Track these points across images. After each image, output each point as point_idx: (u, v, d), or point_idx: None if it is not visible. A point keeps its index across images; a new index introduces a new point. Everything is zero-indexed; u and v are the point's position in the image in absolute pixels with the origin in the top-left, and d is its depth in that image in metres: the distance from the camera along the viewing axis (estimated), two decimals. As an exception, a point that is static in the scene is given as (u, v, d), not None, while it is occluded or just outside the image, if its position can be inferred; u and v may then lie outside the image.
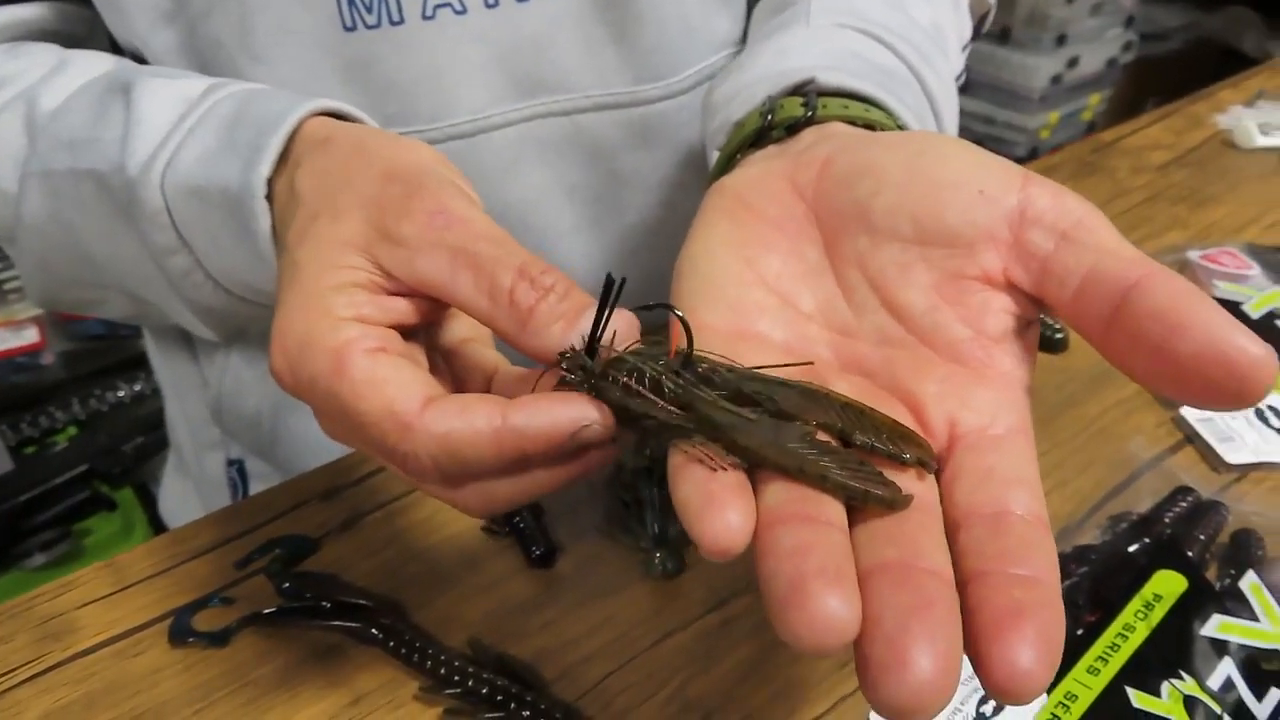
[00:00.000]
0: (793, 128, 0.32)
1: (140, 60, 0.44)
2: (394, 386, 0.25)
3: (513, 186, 0.47)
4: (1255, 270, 0.55)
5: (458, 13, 0.43)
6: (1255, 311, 0.50)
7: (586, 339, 0.25)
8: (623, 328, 0.25)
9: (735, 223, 0.29)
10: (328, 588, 0.38)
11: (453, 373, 0.30)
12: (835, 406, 0.24)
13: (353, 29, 0.42)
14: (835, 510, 0.22)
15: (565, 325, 0.25)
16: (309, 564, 0.39)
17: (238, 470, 0.53)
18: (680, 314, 0.25)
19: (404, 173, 0.28)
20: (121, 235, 0.38)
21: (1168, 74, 2.01)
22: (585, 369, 0.25)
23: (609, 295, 0.25)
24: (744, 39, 0.50)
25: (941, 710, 0.19)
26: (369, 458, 0.43)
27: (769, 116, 0.33)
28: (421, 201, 0.27)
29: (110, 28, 0.44)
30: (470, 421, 0.24)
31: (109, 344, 1.30)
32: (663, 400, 0.24)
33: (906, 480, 0.23)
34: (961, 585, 0.21)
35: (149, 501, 1.23)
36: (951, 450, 0.24)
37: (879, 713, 0.19)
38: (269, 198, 0.32)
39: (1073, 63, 1.86)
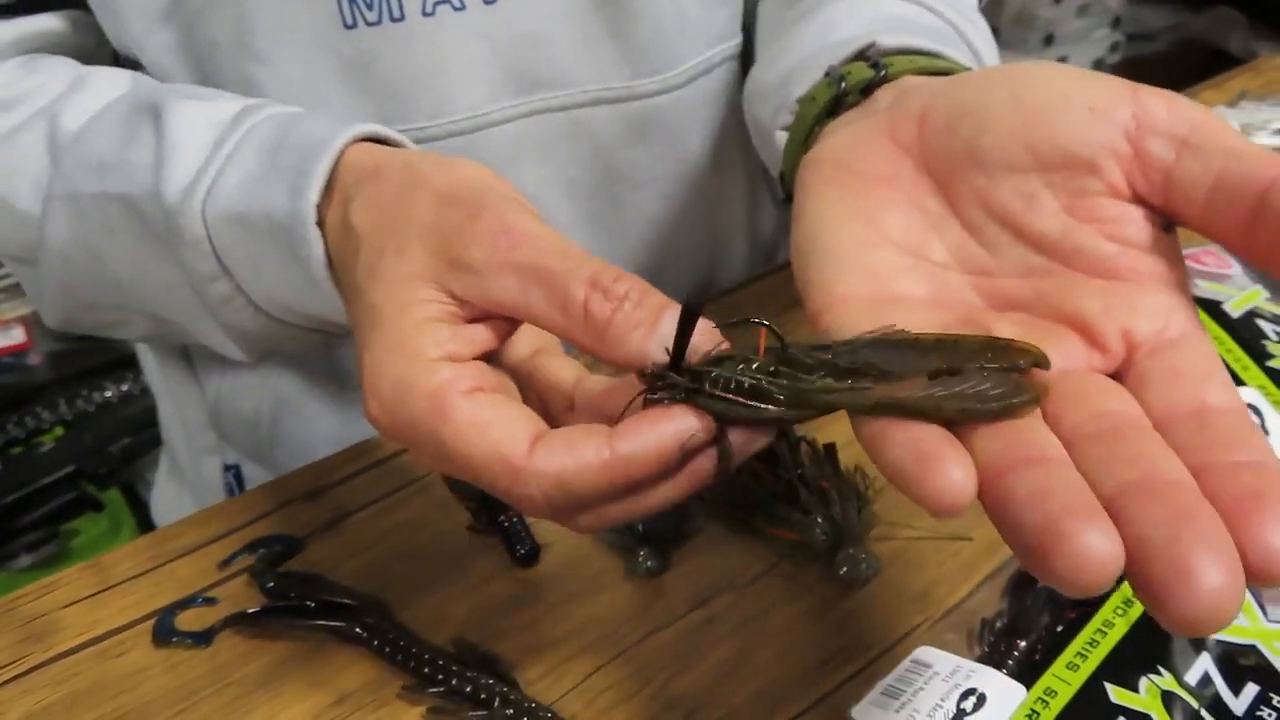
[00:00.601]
0: (865, 90, 0.32)
1: (136, 65, 0.44)
2: (498, 429, 0.25)
3: (510, 181, 0.47)
4: (1235, 269, 0.55)
5: (456, 9, 0.43)
6: (1235, 310, 0.51)
7: (670, 351, 0.25)
8: (704, 338, 0.25)
9: (844, 189, 0.28)
10: (312, 587, 0.38)
11: (535, 391, 0.30)
12: (928, 346, 0.24)
13: (353, 26, 0.42)
14: (1053, 445, 0.21)
15: (645, 332, 0.25)
16: (293, 564, 0.40)
17: (234, 475, 0.53)
18: (766, 323, 0.25)
19: (460, 195, 0.28)
20: (151, 259, 0.38)
21: (1154, 74, 2.01)
22: (674, 384, 0.25)
23: (688, 322, 0.24)
24: (743, 32, 0.51)
25: (1236, 616, 0.18)
26: (353, 457, 0.44)
27: (842, 84, 0.33)
28: (485, 223, 0.27)
29: (106, 31, 0.44)
30: (579, 457, 0.24)
31: (96, 344, 1.29)
32: (762, 397, 0.24)
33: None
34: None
35: (136, 502, 1.23)
36: (1131, 359, 0.23)
37: (1175, 631, 0.19)
38: (320, 223, 0.31)
39: (1060, 63, 1.87)
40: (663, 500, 0.26)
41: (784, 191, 0.36)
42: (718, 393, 0.24)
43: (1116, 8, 1.92)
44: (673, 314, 0.25)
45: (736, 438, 0.25)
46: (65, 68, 0.42)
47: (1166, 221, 0.25)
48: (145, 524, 1.20)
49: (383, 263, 0.28)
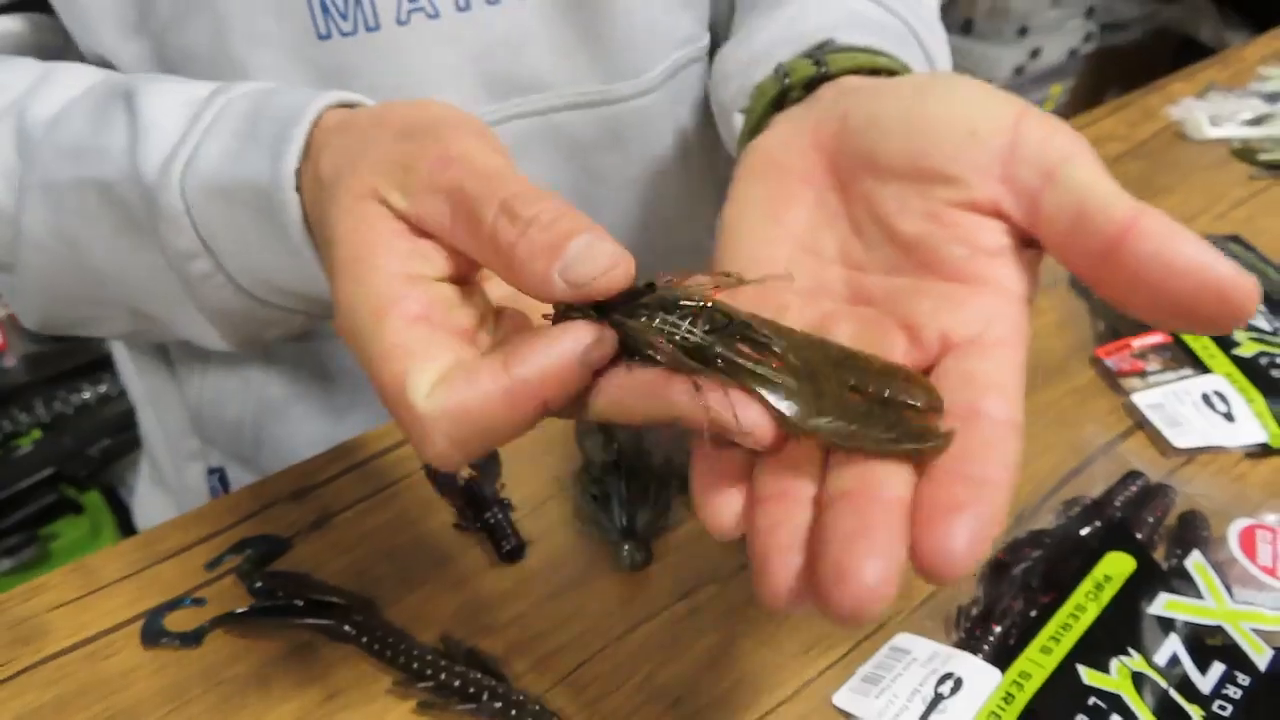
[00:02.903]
0: (810, 85, 0.34)
1: (108, 68, 0.44)
2: (410, 360, 0.24)
3: None
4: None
5: (431, 16, 0.43)
6: (1203, 299, 0.52)
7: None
8: (616, 273, 0.24)
9: (764, 181, 0.31)
10: (300, 587, 0.38)
11: (509, 324, 0.29)
12: (837, 357, 0.25)
13: (327, 37, 0.42)
14: (803, 486, 0.24)
15: (547, 260, 0.24)
16: (280, 564, 0.40)
17: (219, 479, 0.53)
18: (730, 274, 0.26)
19: (418, 126, 0.27)
20: (128, 246, 0.38)
21: (1128, 64, 2.05)
22: (584, 314, 0.24)
23: (642, 292, 0.24)
24: (711, 31, 0.51)
25: (880, 612, 0.21)
26: (338, 458, 0.44)
27: (786, 79, 0.34)
28: (427, 148, 0.26)
29: (78, 41, 0.44)
30: (479, 387, 0.23)
31: (72, 346, 1.28)
32: (679, 346, 0.23)
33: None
34: (919, 480, 0.22)
35: (116, 504, 1.22)
36: (940, 358, 0.25)
37: (833, 620, 0.21)
38: (298, 189, 0.31)
39: (1035, 54, 1.88)
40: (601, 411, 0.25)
41: None
42: (628, 321, 0.24)
43: (1089, -2, 1.94)
44: (583, 240, 0.24)
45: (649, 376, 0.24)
46: (30, 66, 0.42)
47: (1029, 238, 0.26)
48: (125, 526, 1.19)
49: (339, 188, 0.27)
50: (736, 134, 0.38)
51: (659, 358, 0.24)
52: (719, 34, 0.52)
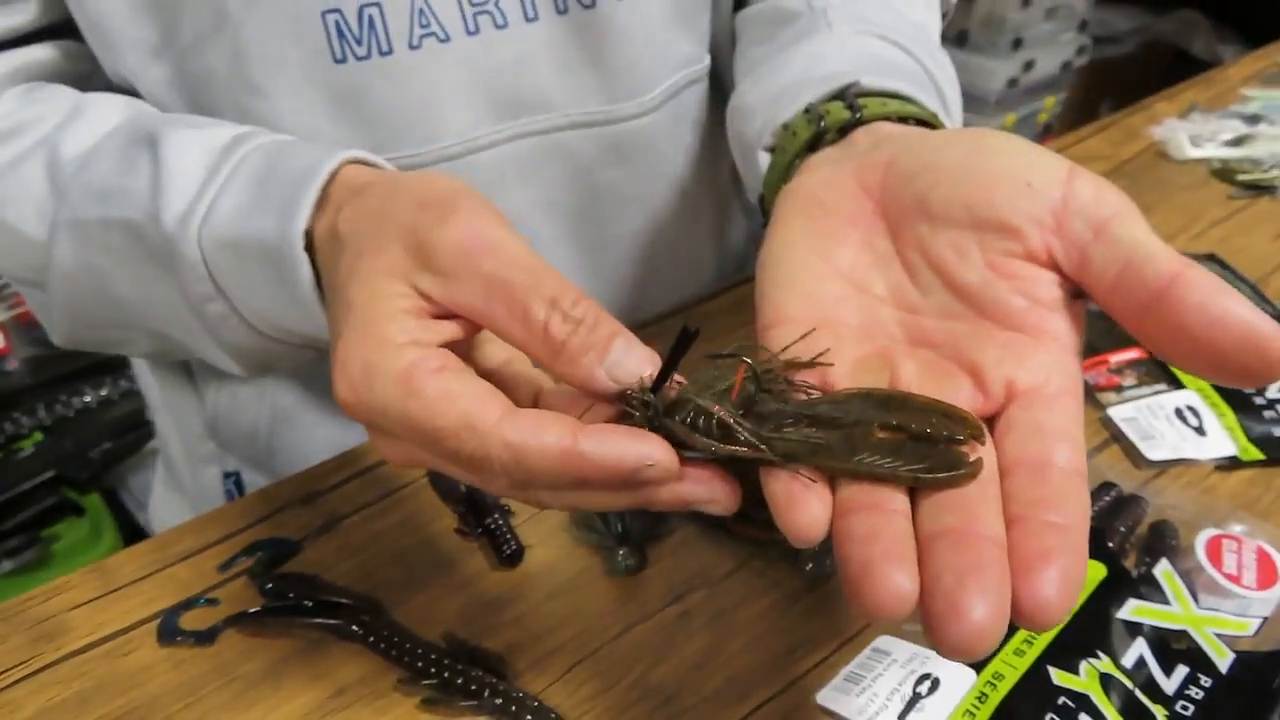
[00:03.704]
0: (842, 130, 0.36)
1: (134, 94, 0.46)
2: (466, 399, 0.27)
3: (496, 203, 0.49)
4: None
5: (442, 41, 0.45)
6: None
7: (653, 378, 0.27)
8: (648, 365, 0.27)
9: (810, 220, 0.32)
10: (309, 588, 0.40)
11: (501, 387, 0.31)
12: (879, 400, 0.27)
13: (343, 61, 0.44)
14: (899, 497, 0.25)
15: (596, 356, 0.27)
16: (289, 566, 0.41)
17: (235, 482, 0.55)
18: (747, 360, 0.27)
19: (436, 199, 0.29)
20: (152, 280, 0.39)
21: (1121, 76, 2.07)
22: (648, 405, 0.27)
23: (682, 345, 0.27)
24: (711, 54, 0.53)
25: (993, 648, 0.22)
26: (345, 464, 0.46)
27: (820, 123, 0.36)
28: (455, 228, 0.28)
29: (104, 64, 0.45)
30: (542, 438, 0.26)
31: (73, 350, 1.30)
32: (726, 439, 0.26)
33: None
34: (1005, 526, 0.24)
35: (117, 506, 1.23)
36: (1007, 406, 0.27)
37: (944, 655, 0.22)
38: (308, 248, 0.33)
39: (1028, 66, 1.90)
40: (613, 504, 0.28)
41: (763, 215, 0.39)
42: (685, 417, 0.27)
43: (1083, 11, 1.96)
44: (623, 341, 0.27)
45: (693, 474, 0.27)
46: (63, 97, 0.44)
47: (1077, 290, 0.28)
48: (126, 528, 1.20)
49: (361, 262, 0.29)
50: (761, 171, 0.39)
51: (697, 452, 0.27)
52: (719, 58, 0.54)
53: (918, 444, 0.26)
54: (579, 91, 0.49)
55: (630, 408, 0.27)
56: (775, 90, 0.40)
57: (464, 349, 0.30)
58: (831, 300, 0.30)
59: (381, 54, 0.44)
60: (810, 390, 0.28)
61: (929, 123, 0.37)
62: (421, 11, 0.44)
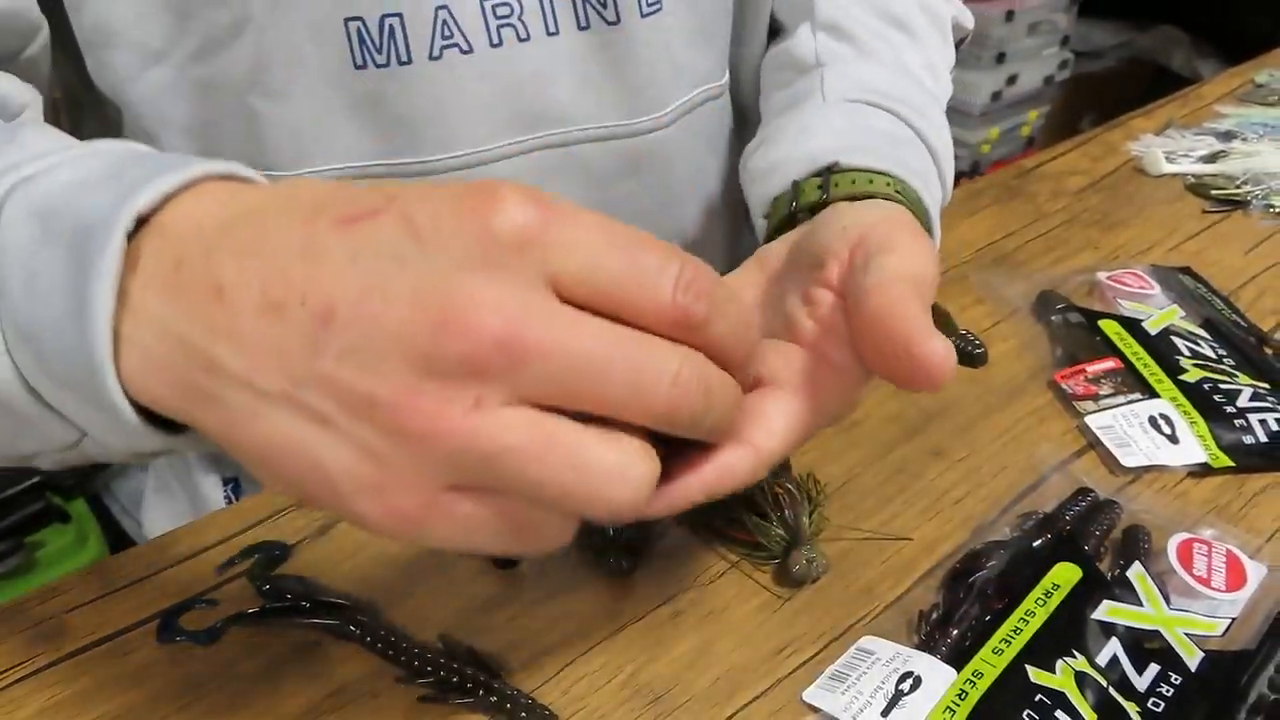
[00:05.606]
0: (814, 208, 0.40)
1: (117, 105, 0.46)
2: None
3: None
4: (1156, 290, 0.60)
5: (464, 52, 0.45)
6: (1154, 328, 0.55)
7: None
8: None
9: (749, 271, 0.39)
10: (306, 589, 0.41)
11: None
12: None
13: (363, 67, 0.44)
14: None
15: None
16: (286, 569, 0.42)
17: (233, 488, 0.55)
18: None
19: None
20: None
21: (1103, 90, 2.10)
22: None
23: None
24: (727, 74, 0.55)
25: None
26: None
27: (794, 204, 0.42)
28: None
29: (91, 73, 0.45)
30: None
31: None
32: None
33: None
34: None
35: (102, 512, 1.23)
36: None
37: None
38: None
39: (1012, 80, 1.93)
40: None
41: None
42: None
43: (1066, 26, 1.99)
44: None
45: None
46: None
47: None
48: (111, 534, 1.20)
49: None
50: (761, 233, 0.45)
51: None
52: (741, 78, 0.56)
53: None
54: (597, 105, 0.49)
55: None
56: (769, 161, 0.45)
57: None
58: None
59: (400, 63, 0.45)
60: None
61: (881, 194, 0.41)
62: (445, 23, 0.45)
